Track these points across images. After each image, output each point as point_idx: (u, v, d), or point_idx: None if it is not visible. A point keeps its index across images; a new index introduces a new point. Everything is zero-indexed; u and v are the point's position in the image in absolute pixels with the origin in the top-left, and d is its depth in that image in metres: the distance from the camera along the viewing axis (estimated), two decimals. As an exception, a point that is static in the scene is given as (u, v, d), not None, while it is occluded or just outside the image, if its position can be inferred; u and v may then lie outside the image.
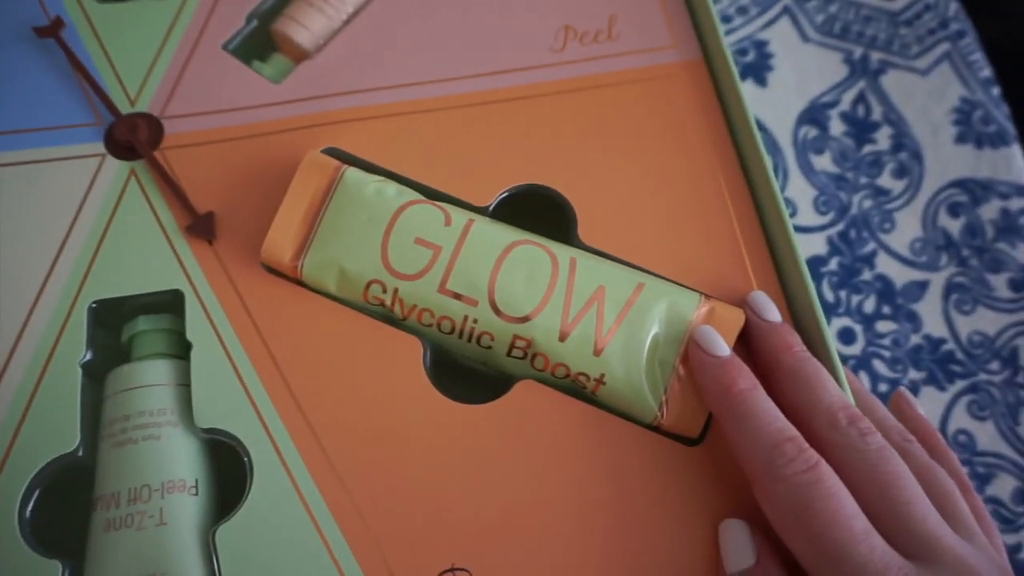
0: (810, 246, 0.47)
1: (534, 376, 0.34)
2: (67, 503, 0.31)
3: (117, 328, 0.34)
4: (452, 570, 0.30)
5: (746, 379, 0.30)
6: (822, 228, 0.48)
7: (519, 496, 0.32)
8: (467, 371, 0.35)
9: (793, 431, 0.28)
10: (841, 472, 0.27)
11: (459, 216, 0.34)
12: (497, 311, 0.33)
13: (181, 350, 0.34)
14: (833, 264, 0.47)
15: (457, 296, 0.33)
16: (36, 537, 0.30)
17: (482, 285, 0.33)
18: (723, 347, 0.31)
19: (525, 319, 0.33)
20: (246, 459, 0.32)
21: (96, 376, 0.33)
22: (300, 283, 0.35)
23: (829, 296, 0.46)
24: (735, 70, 0.38)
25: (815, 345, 0.33)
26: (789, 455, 0.27)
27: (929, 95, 0.50)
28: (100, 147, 0.37)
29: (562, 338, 0.33)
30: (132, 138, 0.37)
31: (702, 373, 0.31)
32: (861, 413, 0.29)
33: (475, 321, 0.33)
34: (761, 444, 0.28)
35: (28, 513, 0.31)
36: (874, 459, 0.28)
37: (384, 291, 0.33)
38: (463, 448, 0.32)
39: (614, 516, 0.32)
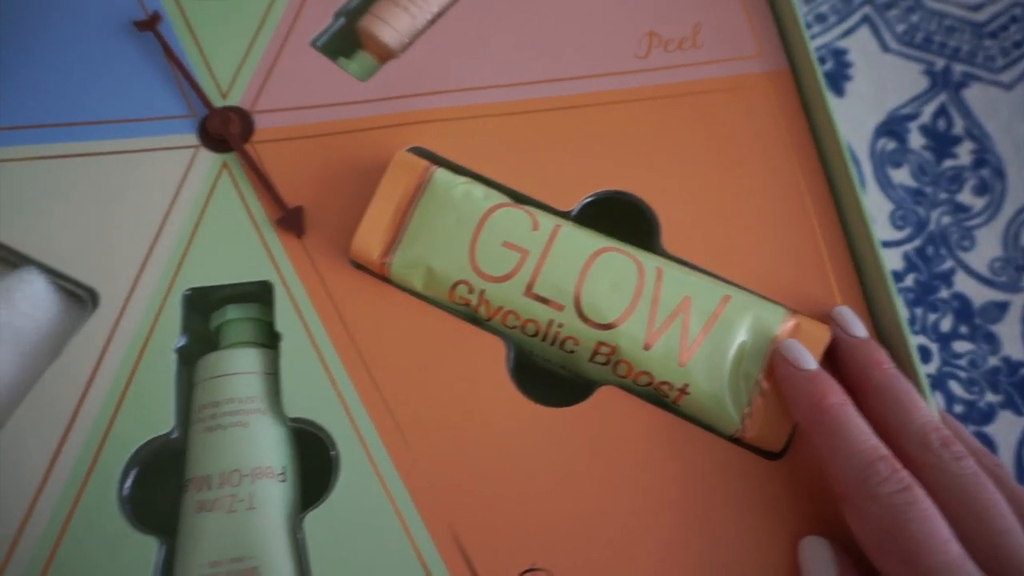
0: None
1: (616, 382, 0.34)
2: (162, 483, 0.32)
3: (210, 315, 0.35)
4: (532, 570, 0.30)
5: (837, 393, 0.30)
6: (899, 243, 0.47)
7: (597, 501, 0.32)
8: (549, 374, 0.36)
9: (885, 450, 0.28)
10: (933, 495, 0.27)
11: (546, 221, 0.34)
12: (582, 317, 0.33)
13: (269, 340, 0.35)
14: (909, 280, 0.46)
15: (543, 300, 0.33)
16: (134, 514, 0.31)
17: (568, 290, 0.33)
18: (811, 361, 0.31)
19: (610, 326, 0.33)
20: (333, 452, 0.32)
21: (191, 361, 0.34)
22: (387, 280, 0.35)
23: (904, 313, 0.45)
24: (823, 80, 0.38)
25: (901, 363, 0.33)
26: (883, 474, 0.27)
27: (1013, 110, 0.49)
28: (194, 139, 0.38)
29: (646, 347, 0.33)
30: (225, 131, 0.38)
31: (790, 386, 0.31)
32: (952, 435, 0.29)
33: (560, 326, 0.33)
34: (854, 461, 0.28)
35: (126, 491, 0.31)
36: (969, 484, 0.27)
37: (470, 292, 0.34)
38: (544, 450, 0.33)
39: (692, 526, 0.32)
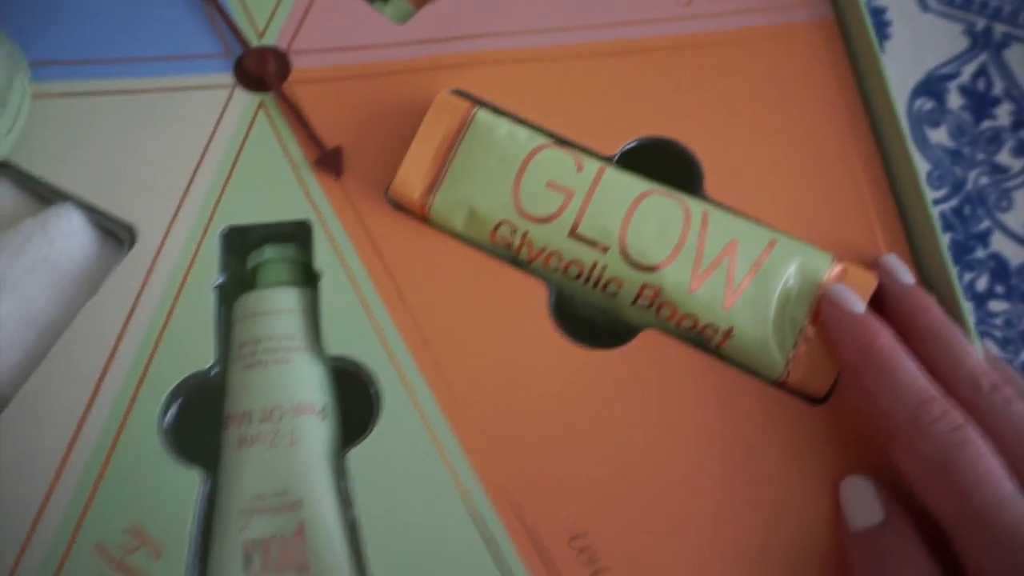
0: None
1: (658, 326, 0.33)
2: (203, 419, 0.32)
3: (246, 255, 0.35)
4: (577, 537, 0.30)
5: (886, 336, 0.29)
6: (935, 203, 0.47)
7: (639, 443, 0.32)
8: (588, 318, 0.35)
9: (937, 390, 0.28)
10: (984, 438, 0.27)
11: (591, 163, 0.34)
12: (627, 259, 0.32)
13: (308, 279, 0.34)
14: (945, 240, 0.46)
15: (587, 242, 0.33)
16: (176, 448, 0.31)
17: (613, 232, 0.33)
18: (860, 304, 0.31)
19: (655, 268, 0.32)
20: (372, 389, 0.32)
21: (229, 300, 0.34)
22: (426, 221, 0.35)
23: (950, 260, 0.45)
24: (871, 29, 0.37)
25: (950, 310, 0.32)
26: (935, 414, 0.27)
27: (1055, 72, 0.49)
28: (230, 78, 0.38)
29: (691, 290, 0.32)
30: (262, 71, 0.37)
31: (838, 329, 0.31)
32: (1002, 380, 0.29)
33: (603, 268, 0.33)
34: (905, 402, 0.28)
35: (167, 424, 0.31)
36: (1022, 427, 0.27)
37: (513, 233, 0.33)
38: (584, 392, 0.32)
39: (734, 470, 0.32)
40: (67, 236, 0.34)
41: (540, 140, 0.34)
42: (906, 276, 0.32)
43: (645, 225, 0.33)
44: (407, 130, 0.35)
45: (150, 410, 0.31)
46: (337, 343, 0.33)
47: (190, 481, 0.31)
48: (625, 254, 0.33)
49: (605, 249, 0.33)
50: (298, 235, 0.35)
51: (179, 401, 0.32)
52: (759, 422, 0.32)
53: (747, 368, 0.33)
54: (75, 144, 0.35)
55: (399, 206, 0.35)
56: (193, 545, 0.30)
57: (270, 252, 0.35)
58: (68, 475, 0.30)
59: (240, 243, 0.35)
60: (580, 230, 0.33)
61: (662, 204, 0.33)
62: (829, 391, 0.32)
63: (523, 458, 0.31)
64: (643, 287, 0.33)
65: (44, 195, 0.35)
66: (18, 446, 0.30)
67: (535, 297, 0.34)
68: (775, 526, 0.31)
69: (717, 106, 0.37)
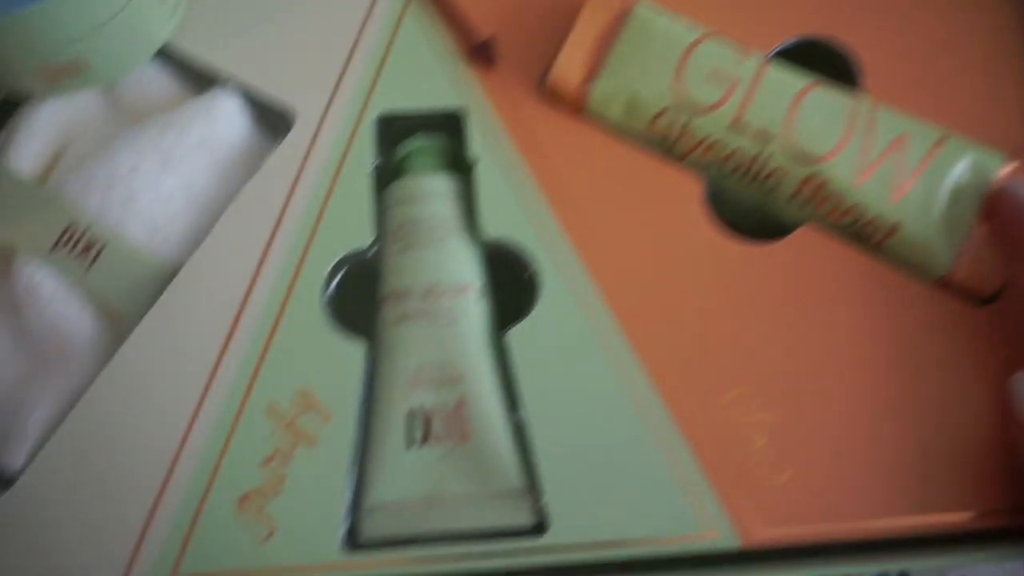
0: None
1: (814, 221, 0.33)
2: (362, 296, 0.32)
3: (399, 143, 0.35)
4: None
5: None
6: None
7: (797, 339, 0.32)
8: (742, 214, 0.35)
9: None
10: None
11: (753, 54, 0.33)
12: (791, 150, 0.32)
13: (462, 167, 0.34)
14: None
15: (750, 132, 0.32)
16: (338, 320, 0.31)
17: (777, 122, 0.32)
18: None
19: (819, 160, 0.32)
20: (528, 272, 0.32)
21: (382, 186, 0.34)
22: (582, 112, 0.34)
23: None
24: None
25: None
26: None
27: None
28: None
29: (856, 183, 0.32)
30: (412, -38, 0.37)
31: (1017, 225, 0.30)
32: None
33: (766, 159, 0.32)
34: None
35: (329, 298, 0.32)
36: None
37: (673, 123, 0.33)
38: (740, 286, 0.32)
39: (891, 367, 0.31)
40: (227, 118, 0.34)
41: (702, 30, 0.34)
42: None
43: (811, 116, 0.32)
44: (560, 21, 0.35)
45: (313, 283, 0.32)
46: (493, 227, 0.33)
47: (353, 352, 0.31)
48: (789, 145, 0.32)
49: (768, 139, 0.32)
50: (450, 125, 0.35)
51: (339, 277, 0.32)
52: (919, 321, 0.32)
53: (909, 266, 0.32)
54: (233, 29, 0.36)
55: (553, 97, 0.35)
56: (359, 413, 0.30)
57: (422, 141, 0.35)
58: (238, 339, 0.31)
59: (393, 131, 0.35)
60: (744, 120, 0.32)
61: (827, 96, 0.33)
62: (995, 291, 0.32)
63: (681, 344, 0.32)
64: (806, 180, 0.32)
65: (204, 78, 0.36)
66: (188, 311, 0.31)
67: (690, 191, 0.34)
68: (934, 426, 0.31)
69: (877, 2, 0.36)
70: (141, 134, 0.33)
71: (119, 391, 0.30)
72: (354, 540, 0.29)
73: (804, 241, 0.33)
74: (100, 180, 0.32)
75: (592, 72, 0.34)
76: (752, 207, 0.34)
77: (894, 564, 0.29)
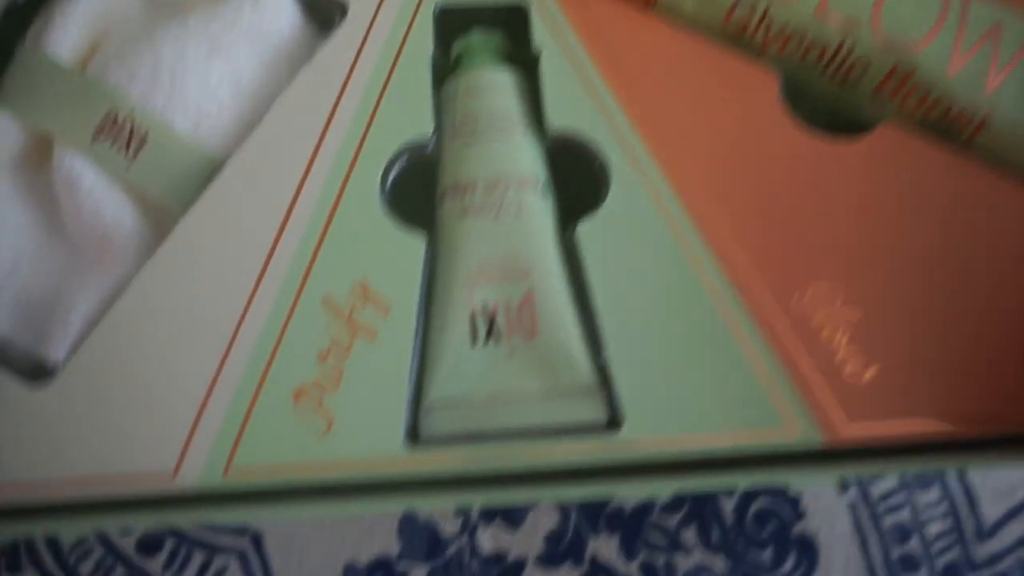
0: None
1: (898, 117, 0.31)
2: (422, 189, 0.31)
3: (459, 35, 0.33)
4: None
5: None
6: None
7: (876, 238, 0.30)
8: (819, 112, 0.33)
9: None
10: None
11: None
12: (879, 37, 0.30)
13: (526, 62, 0.32)
14: None
15: (835, 18, 0.30)
16: (397, 212, 0.29)
17: (865, 7, 0.30)
18: None
19: (910, 47, 0.30)
20: (597, 164, 0.30)
21: (442, 78, 0.32)
22: (651, 6, 0.32)
23: None
24: None
25: None
26: None
27: None
28: None
29: (949, 72, 0.30)
30: None
31: None
32: None
33: (851, 48, 0.30)
34: None
35: (388, 188, 0.30)
36: None
37: (751, 11, 0.31)
38: (818, 182, 0.31)
39: (976, 271, 0.30)
40: (277, 6, 0.32)
41: (780, -87, 0.32)
42: None
43: (901, 1, 0.30)
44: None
45: (370, 175, 0.30)
46: (560, 121, 0.31)
47: (413, 244, 0.29)
48: (877, 31, 0.30)
49: (855, 26, 0.30)
50: (511, 19, 0.33)
51: (397, 169, 0.30)
52: (1008, 220, 0.30)
53: (1000, 162, 0.30)
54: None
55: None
56: (420, 308, 0.28)
57: (482, 35, 0.33)
58: (291, 231, 0.29)
59: (452, 25, 0.33)
60: (828, 5, 0.30)
61: (918, -21, 0.30)
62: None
63: (758, 240, 0.30)
64: (894, 69, 0.30)
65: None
66: (237, 204, 0.29)
67: (766, 86, 0.32)
68: (1006, 336, 0.29)
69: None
70: (187, 21, 0.31)
71: (164, 284, 0.29)
72: (416, 436, 0.27)
73: (887, 137, 0.31)
74: (144, 66, 0.30)
75: (664, -40, 0.32)
76: (830, 104, 0.32)
77: (981, 461, 0.27)
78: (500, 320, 0.29)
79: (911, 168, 0.31)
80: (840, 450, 0.28)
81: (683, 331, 0.28)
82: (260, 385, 0.27)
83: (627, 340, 0.28)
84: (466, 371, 0.28)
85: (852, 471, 0.27)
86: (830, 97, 0.32)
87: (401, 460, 0.27)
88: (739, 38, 0.32)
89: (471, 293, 0.29)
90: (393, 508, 0.28)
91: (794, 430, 0.28)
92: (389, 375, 0.28)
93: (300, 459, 0.27)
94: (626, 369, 0.28)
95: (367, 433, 0.27)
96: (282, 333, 0.28)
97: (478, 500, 0.26)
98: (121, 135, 0.30)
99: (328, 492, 0.27)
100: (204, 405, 0.27)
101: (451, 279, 0.29)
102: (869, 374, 0.28)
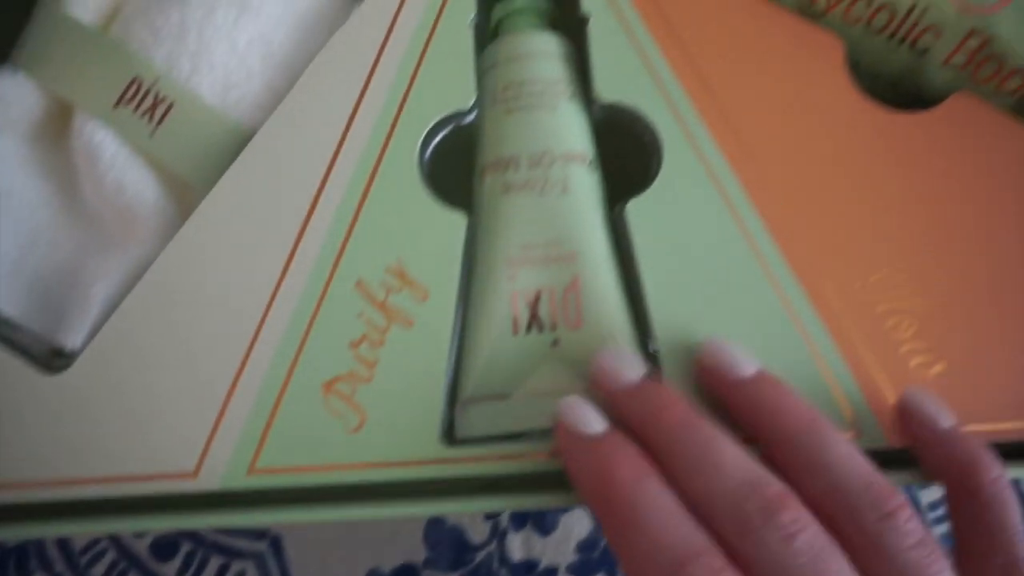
0: None
1: (969, 90, 0.28)
2: (462, 164, 0.29)
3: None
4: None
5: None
6: None
7: (948, 222, 0.28)
8: (883, 83, 0.30)
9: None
10: None
11: None
12: (954, 0, 0.27)
13: (573, 26, 0.30)
14: None
15: None
16: (436, 190, 0.27)
17: (941, -32, 0.27)
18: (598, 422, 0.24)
19: (987, 10, 0.27)
20: (646, 136, 0.28)
21: (484, 44, 0.30)
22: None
23: None
24: None
25: None
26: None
27: None
28: None
29: (1031, 39, 0.27)
30: None
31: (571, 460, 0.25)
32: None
33: (923, 12, 0.28)
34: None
35: (426, 163, 0.28)
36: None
37: (816, -29, 0.28)
38: (887, 156, 0.29)
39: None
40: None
41: None
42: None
43: (979, -39, 0.28)
44: None
45: (407, 149, 0.28)
46: (609, 91, 0.28)
47: (453, 224, 0.27)
48: (952, -6, 0.28)
49: (928, -12, 0.28)
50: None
51: (436, 142, 0.29)
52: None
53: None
54: None
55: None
56: (459, 292, 0.26)
57: (522, 0, 0.31)
58: (322, 210, 0.27)
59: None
60: (900, -34, 0.28)
61: (998, -61, 0.28)
62: None
63: (819, 221, 0.28)
64: (968, 36, 0.28)
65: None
66: (266, 178, 0.28)
67: (831, 52, 0.29)
68: None
69: None
70: (214, -21, 0.29)
71: (188, 265, 0.27)
72: (455, 433, 0.26)
73: (959, 110, 0.29)
74: (170, 27, 0.28)
75: (722, -85, 0.29)
76: (896, 75, 0.30)
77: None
78: (544, 307, 0.27)
79: (986, 145, 0.28)
80: (897, 453, 0.26)
81: (739, 320, 0.27)
82: (289, 376, 0.26)
83: (679, 329, 0.27)
84: (506, 362, 0.27)
85: (903, 478, 0.25)
86: (897, 68, 0.30)
87: (439, 460, 0.25)
88: (801, 2, 0.30)
89: (514, 277, 0.27)
90: (421, 512, 0.27)
91: (856, 430, 0.26)
92: (426, 366, 0.26)
93: (329, 459, 0.25)
94: (677, 360, 0.26)
95: (401, 430, 0.26)
96: (312, 320, 0.26)
97: (511, 504, 0.24)
98: (145, 103, 0.28)
99: (355, 494, 0.25)
100: (228, 399, 0.26)
101: (492, 262, 0.27)
102: (936, 370, 0.26)
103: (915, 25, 0.29)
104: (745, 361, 0.24)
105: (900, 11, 0.28)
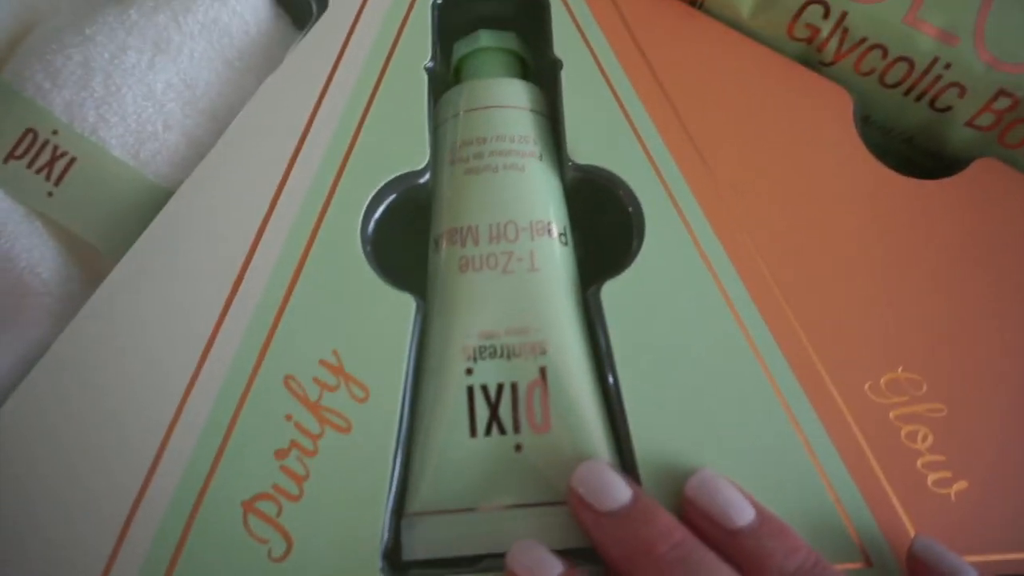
0: None
1: (995, 154, 0.25)
2: (416, 234, 0.25)
3: (464, 36, 0.27)
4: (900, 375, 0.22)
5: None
6: None
7: (973, 309, 0.24)
8: (896, 141, 0.27)
9: None
10: None
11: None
12: (981, 55, 0.24)
13: (544, 71, 0.26)
14: None
15: (930, 28, 0.24)
16: (383, 267, 0.23)
17: (968, 17, 0.24)
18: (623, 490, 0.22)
19: (1021, 68, 0.24)
20: (626, 204, 0.24)
21: (439, 91, 0.26)
22: (698, 4, 0.26)
23: None
24: None
25: None
26: None
27: None
28: None
29: (1069, 102, 0.23)
30: None
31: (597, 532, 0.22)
32: None
33: (946, 67, 0.24)
34: None
35: (370, 236, 0.24)
36: None
37: (825, 16, 0.25)
38: (902, 235, 0.24)
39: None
40: (241, -4, 0.26)
41: None
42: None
43: (1012, 10, 0.24)
44: None
45: (349, 217, 0.24)
46: (584, 151, 0.24)
47: (401, 307, 0.23)
48: (980, 47, 0.24)
49: (953, 41, 0.24)
50: (527, 16, 0.27)
51: (384, 208, 0.24)
52: None
53: None
54: None
55: (662, -18, 0.27)
56: (407, 389, 0.22)
57: (488, 38, 0.27)
58: (247, 288, 0.23)
59: (455, 22, 0.27)
60: (921, 13, 0.24)
61: (1033, -15, 0.24)
62: None
63: (823, 307, 0.24)
64: (996, 95, 0.24)
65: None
66: (183, 249, 0.23)
67: (838, 106, 0.25)
68: None
69: None
70: (127, 11, 0.25)
71: (89, 354, 0.23)
72: (398, 559, 0.22)
73: (985, 177, 0.25)
74: (72, 69, 0.24)
75: (717, -52, 0.25)
76: (912, 130, 0.26)
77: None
78: (505, 405, 0.23)
79: (1015, 218, 0.25)
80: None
81: (729, 428, 0.23)
82: (203, 493, 0.22)
83: (659, 435, 0.23)
84: (462, 470, 0.23)
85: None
86: (913, 125, 0.26)
87: (377, 591, 0.21)
88: (808, 49, 0.26)
89: (471, 370, 0.23)
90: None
91: (866, 559, 0.22)
92: (367, 480, 0.22)
93: (250, 591, 0.21)
94: (657, 473, 0.22)
95: (335, 557, 0.22)
96: (232, 423, 0.22)
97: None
98: (41, 158, 0.24)
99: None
100: (130, 518, 0.22)
101: (446, 351, 0.23)
102: (957, 488, 0.23)
103: (937, 80, 0.25)
104: (740, 507, 0.20)
105: (920, 64, 0.25)
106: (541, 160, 0.25)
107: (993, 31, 0.24)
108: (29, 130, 0.24)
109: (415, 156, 0.25)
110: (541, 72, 0.27)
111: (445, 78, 0.28)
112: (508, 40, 0.28)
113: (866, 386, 0.23)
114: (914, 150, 0.27)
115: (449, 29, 0.28)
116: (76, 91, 0.24)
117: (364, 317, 0.23)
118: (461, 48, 0.28)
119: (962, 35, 0.24)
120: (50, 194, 0.24)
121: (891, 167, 0.26)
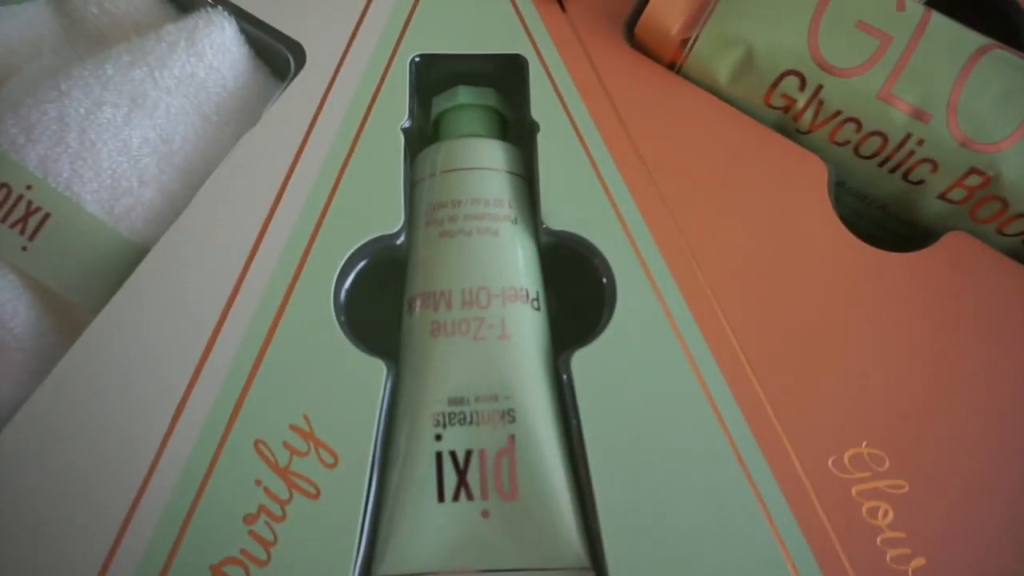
0: None
1: (967, 228, 0.25)
2: (388, 298, 0.25)
3: (441, 92, 0.27)
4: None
5: None
6: None
7: (941, 384, 0.24)
8: (867, 212, 0.27)
9: None
10: None
11: (914, 3, 0.25)
12: (955, 132, 0.24)
13: (521, 132, 0.26)
14: None
15: (904, 105, 0.24)
16: (354, 332, 0.24)
17: (941, 94, 0.24)
18: None
19: (992, 147, 0.24)
20: (599, 272, 0.24)
21: (415, 149, 0.26)
22: (677, 69, 0.26)
23: None
24: None
25: None
26: None
27: None
28: None
29: (1039, 181, 0.24)
30: None
31: None
32: None
33: (919, 143, 0.24)
34: None
35: (342, 302, 0.24)
36: None
37: (801, 88, 0.25)
38: (878, 301, 0.25)
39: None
40: (219, 49, 0.26)
41: (842, -32, 0.25)
42: None
43: (985, 89, 0.24)
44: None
45: (321, 281, 0.24)
46: (559, 217, 0.25)
47: (372, 374, 0.23)
48: (953, 126, 0.24)
49: (926, 117, 0.24)
50: (505, 76, 0.27)
51: (357, 272, 0.25)
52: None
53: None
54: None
55: (643, 46, 0.27)
56: (377, 454, 0.23)
57: (467, 95, 0.27)
58: (220, 350, 0.23)
59: (433, 79, 0.27)
60: (895, 89, 0.24)
61: (1007, 63, 0.25)
62: None
63: (794, 380, 0.24)
64: (968, 173, 0.24)
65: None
66: (156, 309, 0.23)
67: (813, 175, 0.26)
68: None
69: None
70: (103, 66, 0.25)
71: (60, 412, 0.23)
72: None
73: (957, 251, 0.25)
74: (46, 124, 0.24)
75: (697, 15, 0.26)
76: (886, 199, 0.27)
77: None
78: (473, 471, 0.23)
79: (986, 292, 0.25)
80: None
81: (694, 497, 0.23)
82: (171, 558, 0.22)
83: (626, 506, 0.23)
84: (430, 535, 0.23)
85: None
86: (880, 198, 0.26)
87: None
88: (784, 117, 0.26)
89: (440, 437, 0.23)
90: None
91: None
92: (333, 546, 0.22)
93: (215, 662, 0.21)
94: (622, 544, 0.23)
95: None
96: (201, 488, 0.22)
97: None
98: (15, 211, 0.24)
99: None
100: (96, 587, 0.22)
101: (416, 416, 0.24)
102: (916, 566, 0.23)
103: (910, 155, 0.25)
104: None
105: (893, 139, 0.25)
106: (516, 224, 0.25)
107: (966, 109, 0.24)
108: (3, 184, 0.24)
109: (390, 219, 0.25)
110: (520, 130, 0.27)
111: (424, 131, 0.28)
112: (487, 96, 0.28)
113: (830, 461, 0.24)
114: (888, 217, 0.28)
115: (428, 84, 0.28)
116: (51, 146, 0.24)
117: (335, 381, 0.24)
118: (440, 103, 0.28)
119: (935, 112, 0.25)
120: (24, 248, 0.24)
121: (866, 230, 0.26)
